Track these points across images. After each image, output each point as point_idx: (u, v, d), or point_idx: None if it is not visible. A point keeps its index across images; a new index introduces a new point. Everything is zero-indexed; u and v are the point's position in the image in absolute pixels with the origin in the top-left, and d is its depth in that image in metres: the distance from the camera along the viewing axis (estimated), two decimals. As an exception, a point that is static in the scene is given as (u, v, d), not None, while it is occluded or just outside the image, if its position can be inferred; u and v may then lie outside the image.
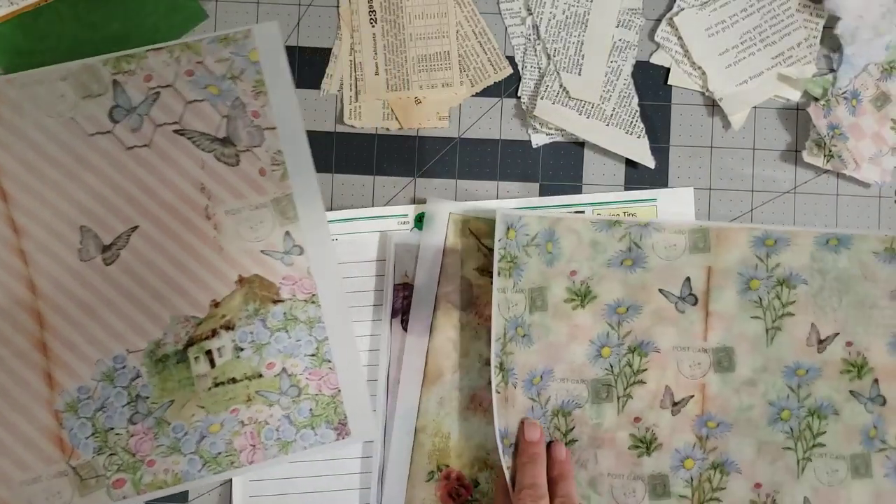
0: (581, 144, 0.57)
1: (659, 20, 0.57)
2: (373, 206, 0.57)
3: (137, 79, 0.49)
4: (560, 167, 0.57)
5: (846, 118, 0.55)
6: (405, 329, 0.55)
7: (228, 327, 0.49)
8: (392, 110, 0.57)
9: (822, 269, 0.55)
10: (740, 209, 0.57)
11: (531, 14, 0.57)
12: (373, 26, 0.57)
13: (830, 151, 0.55)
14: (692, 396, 0.55)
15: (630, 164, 0.57)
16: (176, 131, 0.49)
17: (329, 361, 0.50)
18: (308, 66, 0.57)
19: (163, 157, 0.48)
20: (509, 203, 0.56)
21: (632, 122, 0.56)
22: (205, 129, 0.49)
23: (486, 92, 0.57)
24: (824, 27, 0.56)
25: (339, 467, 0.54)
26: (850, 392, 0.55)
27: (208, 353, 0.49)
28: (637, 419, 0.55)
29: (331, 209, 0.56)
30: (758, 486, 0.54)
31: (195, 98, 0.49)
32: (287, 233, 0.50)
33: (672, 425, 0.54)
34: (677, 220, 0.55)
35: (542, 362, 0.54)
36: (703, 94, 0.57)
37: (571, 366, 0.54)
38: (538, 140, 0.57)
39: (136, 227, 0.48)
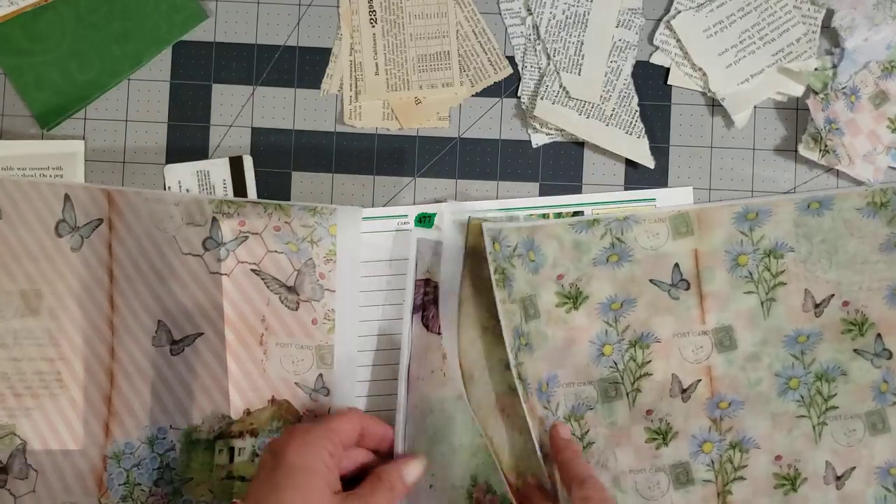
0: (581, 144, 0.57)
1: (660, 20, 0.57)
2: (373, 206, 0.57)
3: (233, 221, 0.56)
4: (560, 167, 0.57)
5: (843, 113, 0.55)
6: (425, 325, 0.54)
7: (253, 434, 0.56)
8: (392, 110, 0.57)
9: (807, 234, 0.55)
10: (740, 209, 0.57)
11: (531, 14, 0.57)
12: (373, 26, 0.57)
13: (826, 146, 0.55)
14: (700, 381, 0.55)
15: (630, 163, 0.57)
16: (253, 270, 0.56)
17: None
18: (308, 66, 0.57)
19: (237, 287, 0.56)
20: (511, 203, 0.56)
21: (632, 122, 0.56)
22: (277, 275, 0.56)
23: (486, 92, 0.58)
24: (823, 25, 0.56)
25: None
26: (855, 350, 0.55)
27: (231, 449, 0.56)
28: (649, 412, 0.55)
29: (331, 209, 0.57)
30: (778, 458, 0.55)
31: (275, 249, 0.56)
32: (320, 375, 0.56)
33: (685, 412, 0.55)
34: (655, 209, 0.56)
35: (545, 369, 0.53)
36: (703, 93, 0.57)
37: (576, 369, 0.54)
38: (538, 140, 0.57)
39: (202, 334, 0.56)
